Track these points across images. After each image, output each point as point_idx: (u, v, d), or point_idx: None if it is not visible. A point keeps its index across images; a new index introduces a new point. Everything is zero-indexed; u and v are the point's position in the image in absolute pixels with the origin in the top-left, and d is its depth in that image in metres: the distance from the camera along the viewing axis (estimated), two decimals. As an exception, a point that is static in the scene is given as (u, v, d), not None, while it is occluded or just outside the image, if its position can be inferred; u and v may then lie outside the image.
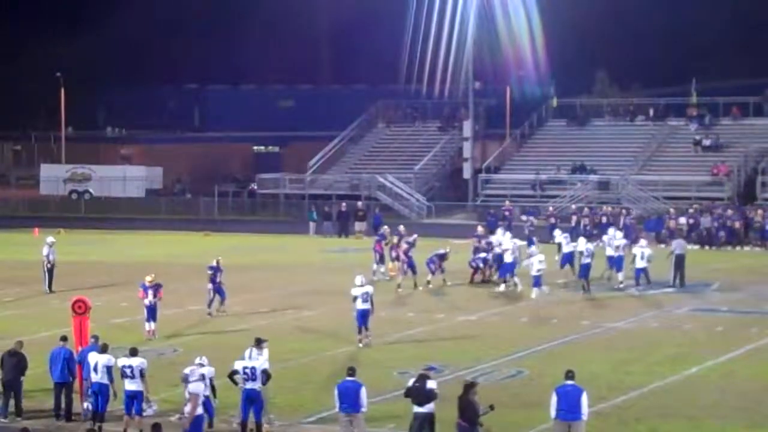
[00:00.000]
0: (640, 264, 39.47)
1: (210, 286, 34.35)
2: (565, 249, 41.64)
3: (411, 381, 19.81)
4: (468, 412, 18.71)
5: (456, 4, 75.82)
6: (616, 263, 40.82)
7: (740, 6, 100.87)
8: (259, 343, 22.29)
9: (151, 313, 30.99)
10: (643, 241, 41.37)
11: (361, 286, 29.81)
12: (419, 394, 19.55)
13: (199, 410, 20.07)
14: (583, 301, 37.60)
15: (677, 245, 41.60)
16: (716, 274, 44.26)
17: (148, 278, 31.35)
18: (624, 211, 58.65)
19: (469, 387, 19.06)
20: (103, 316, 30.67)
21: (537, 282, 37.90)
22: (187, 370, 20.67)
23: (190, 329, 32.35)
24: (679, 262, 40.61)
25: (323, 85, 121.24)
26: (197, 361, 21.20)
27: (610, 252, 41.43)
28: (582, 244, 40.65)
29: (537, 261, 38.11)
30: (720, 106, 75.82)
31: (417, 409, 19.60)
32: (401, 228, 43.58)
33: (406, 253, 40.26)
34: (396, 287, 39.12)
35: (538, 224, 58.33)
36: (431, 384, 19.72)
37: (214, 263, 34.58)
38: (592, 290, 38.84)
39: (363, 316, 29.45)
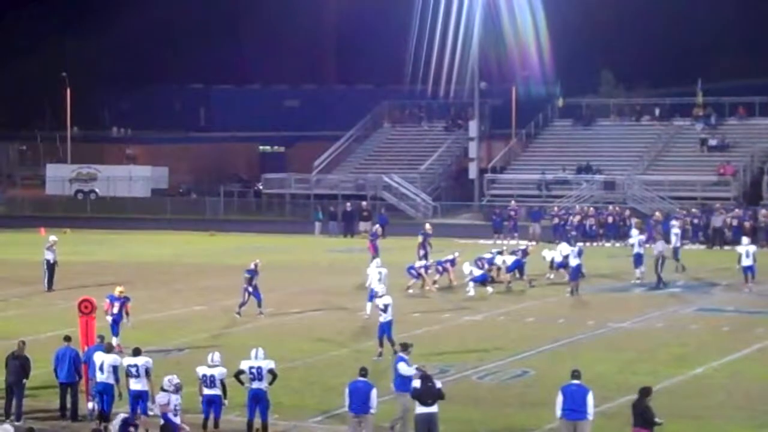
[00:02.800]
0: (746, 262, 39.45)
1: (249, 288, 33.86)
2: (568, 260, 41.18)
3: (417, 382, 19.75)
4: (645, 417, 18.46)
5: (461, 5, 75.80)
6: (636, 259, 41.23)
7: (746, 6, 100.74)
8: (405, 348, 21.55)
9: (115, 327, 28.70)
10: (745, 239, 41.49)
11: (384, 295, 28.77)
12: (431, 394, 19.58)
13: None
14: (588, 301, 37.56)
15: (661, 247, 41.39)
16: (723, 273, 44.18)
17: (119, 289, 29.73)
18: (681, 211, 58.62)
19: (646, 392, 18.71)
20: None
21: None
22: (170, 381, 20.28)
23: (195, 328, 32.33)
24: (661, 264, 40.50)
25: (329, 85, 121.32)
26: (209, 360, 21.13)
27: (676, 244, 43.87)
28: (565, 248, 40.85)
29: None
30: (726, 106, 75.82)
31: (425, 409, 19.58)
32: (427, 226, 43.30)
33: (425, 269, 39.93)
34: (406, 288, 39.10)
35: (543, 224, 58.43)
36: (438, 383, 19.83)
37: (252, 266, 34.06)
38: (579, 292, 38.71)
39: (388, 327, 28.10)
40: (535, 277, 41.15)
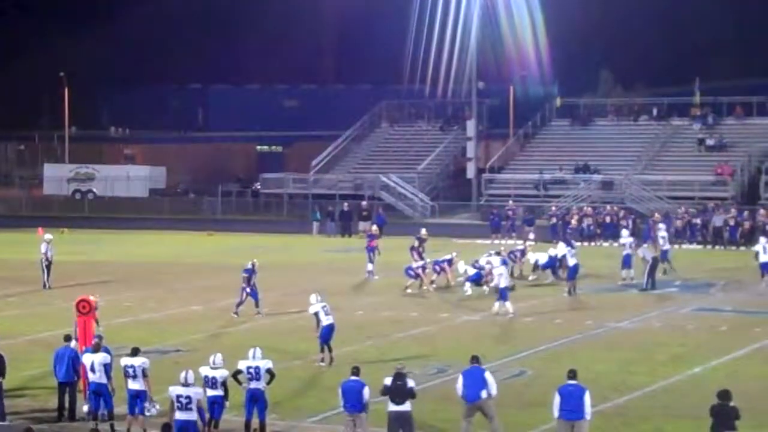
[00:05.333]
0: (763, 258, 39.39)
1: (246, 288, 33.79)
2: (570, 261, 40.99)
3: (388, 380, 19.74)
4: (732, 419, 18.30)
5: (459, 4, 75.81)
6: (625, 261, 41.09)
7: (744, 5, 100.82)
8: (476, 359, 20.73)
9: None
10: (762, 239, 41.39)
11: (317, 303, 27.78)
12: (401, 392, 19.57)
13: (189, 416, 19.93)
14: (586, 301, 37.54)
15: (645, 252, 41.05)
16: (721, 273, 44.22)
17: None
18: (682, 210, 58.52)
19: (729, 395, 18.49)
20: (107, 315, 30.61)
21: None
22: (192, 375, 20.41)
23: (193, 328, 32.31)
24: (650, 267, 40.14)
25: (327, 84, 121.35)
26: (211, 361, 21.08)
27: (666, 246, 43.33)
28: (561, 248, 40.80)
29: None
30: (724, 106, 75.84)
31: (395, 407, 19.57)
32: (423, 231, 43.27)
33: (423, 269, 39.86)
34: (404, 288, 39.13)
35: (539, 224, 58.41)
36: (411, 382, 19.79)
37: (249, 266, 33.95)
38: (578, 292, 38.66)
39: (329, 332, 27.33)
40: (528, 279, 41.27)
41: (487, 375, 20.33)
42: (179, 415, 19.75)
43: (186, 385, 19.86)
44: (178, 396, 19.82)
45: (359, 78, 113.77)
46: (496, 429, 20.21)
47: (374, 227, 46.57)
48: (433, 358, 27.51)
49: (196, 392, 19.91)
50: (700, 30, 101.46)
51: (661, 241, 43.71)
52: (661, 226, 46.51)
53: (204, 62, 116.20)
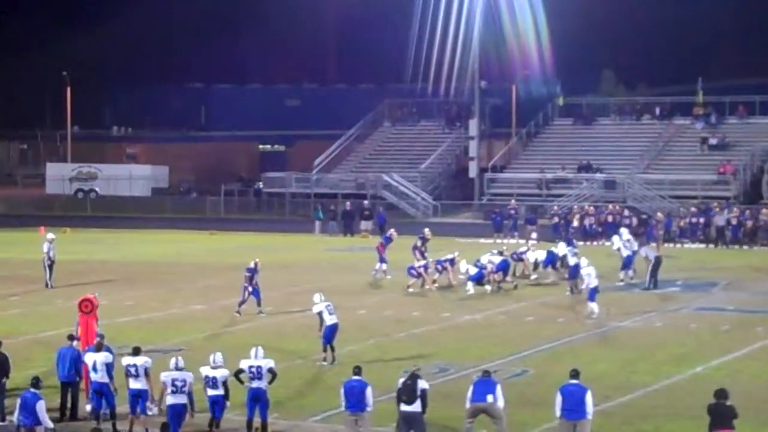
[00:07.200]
0: None
1: (248, 287, 33.76)
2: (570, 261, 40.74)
3: (401, 380, 19.77)
4: (729, 418, 18.28)
5: (462, 3, 75.85)
6: (626, 261, 40.97)
7: (746, 5, 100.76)
8: (487, 372, 20.65)
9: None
10: None
11: (319, 303, 27.57)
12: (411, 392, 19.53)
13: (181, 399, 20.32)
14: (585, 301, 37.45)
15: (648, 251, 40.84)
16: (723, 273, 44.20)
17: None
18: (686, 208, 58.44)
19: (725, 394, 18.42)
20: (109, 315, 30.62)
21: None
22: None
23: (195, 327, 32.32)
24: (652, 266, 39.91)
25: (329, 84, 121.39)
26: (211, 361, 21.11)
27: (634, 249, 42.03)
28: (562, 248, 40.76)
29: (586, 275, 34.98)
30: (726, 105, 75.85)
31: (405, 407, 19.54)
32: (427, 231, 43.14)
33: (425, 268, 39.79)
34: (406, 287, 39.13)
35: (542, 224, 58.34)
36: (423, 383, 19.70)
37: (252, 265, 33.96)
38: (579, 290, 38.56)
39: (331, 332, 27.20)
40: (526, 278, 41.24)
41: (498, 387, 20.22)
42: (172, 399, 20.21)
43: (179, 369, 20.40)
44: (174, 380, 20.27)
45: (362, 77, 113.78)
46: (502, 430, 20.16)
47: (392, 231, 45.42)
48: (435, 358, 27.49)
49: (189, 375, 20.47)
50: (702, 29, 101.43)
51: (627, 244, 41.98)
52: (624, 230, 44.72)
53: (206, 61, 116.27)
